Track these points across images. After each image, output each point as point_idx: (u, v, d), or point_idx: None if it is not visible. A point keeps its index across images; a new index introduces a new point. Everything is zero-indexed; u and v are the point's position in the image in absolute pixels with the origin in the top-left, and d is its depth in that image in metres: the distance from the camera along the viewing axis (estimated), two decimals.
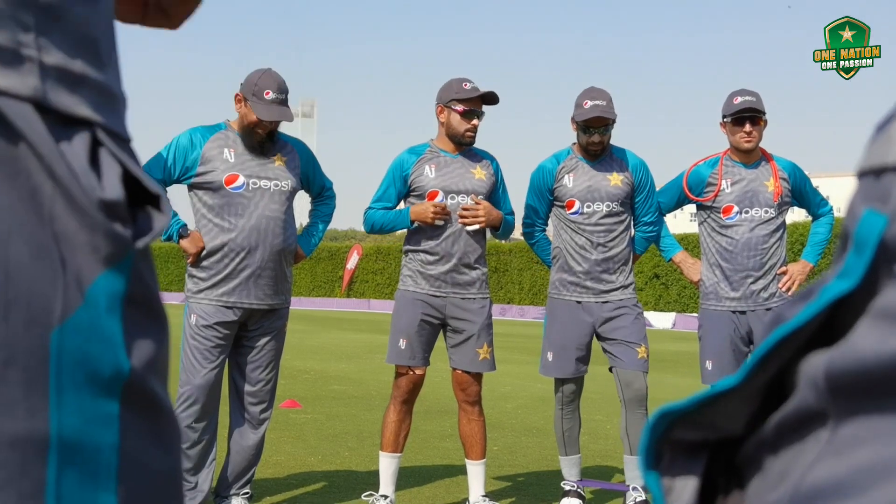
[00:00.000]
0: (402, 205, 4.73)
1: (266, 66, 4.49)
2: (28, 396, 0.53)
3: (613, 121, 4.74)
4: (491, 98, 4.60)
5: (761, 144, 4.90)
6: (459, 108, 4.56)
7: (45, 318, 0.54)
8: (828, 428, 0.43)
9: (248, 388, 4.43)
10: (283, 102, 4.33)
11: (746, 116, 4.77)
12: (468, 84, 4.59)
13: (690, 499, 0.50)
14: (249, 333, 4.42)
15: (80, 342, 0.55)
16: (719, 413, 0.49)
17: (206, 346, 4.28)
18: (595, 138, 4.72)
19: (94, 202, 0.58)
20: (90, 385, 0.56)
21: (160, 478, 0.60)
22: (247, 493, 4.48)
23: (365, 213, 4.69)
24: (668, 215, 5.14)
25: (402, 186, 4.64)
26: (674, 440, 0.51)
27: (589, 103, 4.69)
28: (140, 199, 0.64)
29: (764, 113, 4.80)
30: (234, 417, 4.47)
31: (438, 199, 4.56)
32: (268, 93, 4.27)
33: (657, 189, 5.08)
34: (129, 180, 0.63)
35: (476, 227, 4.56)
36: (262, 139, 4.36)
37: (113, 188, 0.60)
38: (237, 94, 4.37)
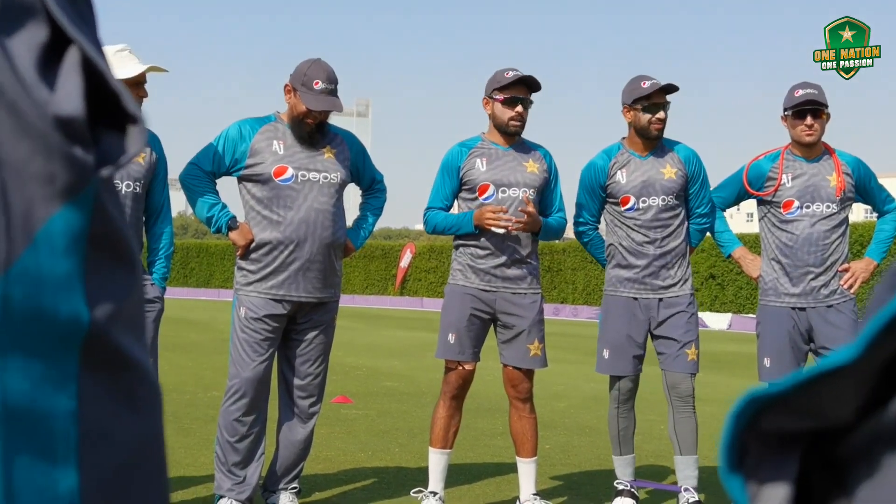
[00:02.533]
0: (456, 204, 4.66)
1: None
2: None
3: (669, 101, 4.65)
4: (531, 83, 4.50)
5: (824, 139, 4.77)
6: (500, 96, 4.48)
7: None
8: None
9: (297, 381, 4.41)
10: (333, 93, 4.29)
11: (808, 109, 4.64)
12: (510, 72, 4.49)
13: None
14: (298, 327, 4.39)
15: (29, 292, 0.46)
16: (827, 396, 0.39)
17: (256, 338, 4.26)
18: (661, 115, 4.60)
19: (47, 120, 0.47)
20: (41, 342, 0.46)
21: (133, 447, 0.50)
22: (295, 488, 4.45)
23: (425, 214, 4.61)
24: (724, 213, 5.03)
25: (455, 181, 4.57)
26: (763, 431, 0.41)
27: (647, 83, 4.60)
28: (106, 113, 0.52)
29: (826, 106, 4.67)
30: (283, 411, 4.45)
31: (489, 192, 4.49)
32: (317, 83, 4.24)
33: (720, 183, 4.99)
34: (92, 83, 0.51)
35: (502, 231, 4.43)
36: (312, 130, 4.32)
37: (70, 100, 0.48)
38: (286, 85, 4.35)
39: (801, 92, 4.67)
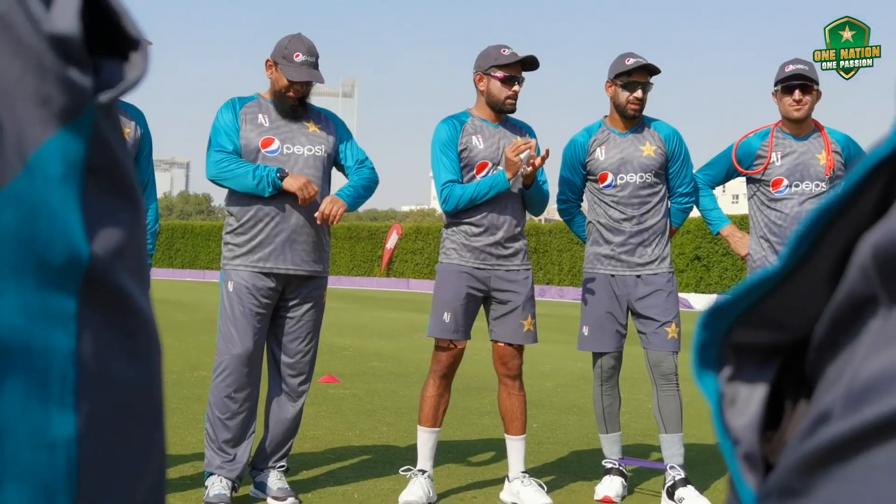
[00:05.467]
0: None
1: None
2: None
3: (652, 82, 4.64)
4: (531, 63, 4.49)
5: (814, 116, 4.77)
6: (499, 74, 4.45)
7: None
8: (880, 316, 0.37)
9: (286, 359, 4.39)
10: (314, 65, 4.28)
11: (797, 84, 4.63)
12: (507, 50, 4.48)
13: (756, 410, 0.42)
14: (287, 304, 4.37)
15: (23, 218, 0.43)
16: (780, 306, 0.41)
17: (244, 313, 4.24)
18: (638, 93, 4.59)
19: (42, 38, 0.44)
20: (37, 273, 0.43)
21: (132, 394, 0.47)
22: (283, 466, 4.43)
23: (444, 191, 4.45)
24: (713, 191, 5.02)
25: (456, 154, 4.50)
26: (739, 345, 0.43)
27: (631, 60, 4.60)
28: (105, 37, 0.48)
29: (816, 82, 4.66)
30: (273, 389, 4.43)
31: (488, 170, 4.47)
32: (297, 55, 4.23)
33: (709, 161, 4.99)
34: (93, 8, 0.47)
35: (528, 169, 4.35)
36: (295, 104, 4.31)
37: (66, 18, 0.45)
38: (267, 60, 4.34)
39: (791, 67, 4.67)
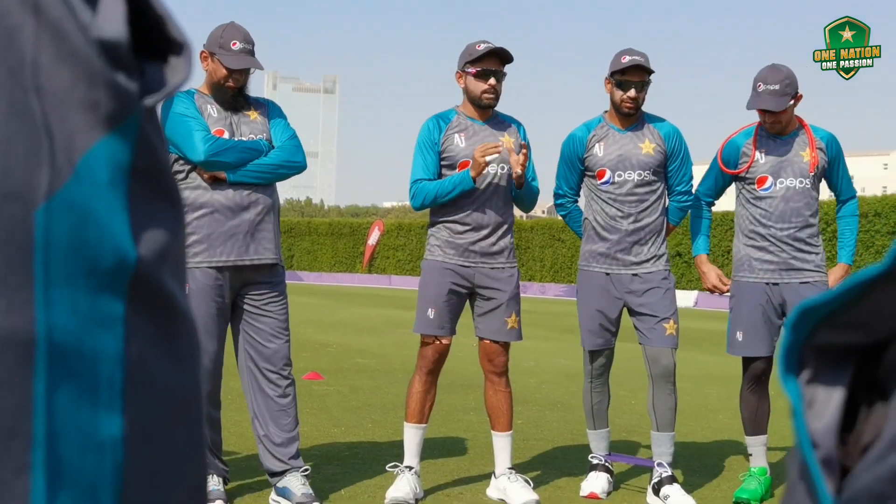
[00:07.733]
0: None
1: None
2: (6, 287, 0.41)
3: (649, 81, 4.60)
4: (504, 54, 4.43)
5: (799, 113, 4.78)
6: (472, 69, 4.43)
7: (26, 192, 0.41)
8: None
9: (263, 358, 4.22)
10: (251, 52, 4.20)
11: (765, 110, 4.60)
12: (482, 45, 4.44)
13: (835, 413, 0.43)
14: (253, 303, 4.25)
15: (73, 223, 0.43)
16: (872, 308, 0.41)
17: (206, 315, 4.10)
18: (631, 93, 4.55)
19: (91, 44, 0.44)
20: (87, 277, 0.43)
21: (176, 397, 0.47)
22: (305, 469, 4.26)
23: (412, 188, 4.49)
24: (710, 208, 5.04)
25: (435, 155, 4.49)
26: (819, 346, 0.43)
27: (627, 58, 4.56)
28: (149, 43, 0.48)
29: (787, 104, 4.54)
30: (255, 392, 4.27)
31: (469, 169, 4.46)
32: (234, 43, 4.14)
33: (703, 176, 4.96)
34: (136, 12, 0.47)
35: (519, 170, 4.37)
36: (235, 93, 4.22)
37: (113, 24, 0.45)
38: (202, 52, 4.22)
39: (762, 87, 4.59)
